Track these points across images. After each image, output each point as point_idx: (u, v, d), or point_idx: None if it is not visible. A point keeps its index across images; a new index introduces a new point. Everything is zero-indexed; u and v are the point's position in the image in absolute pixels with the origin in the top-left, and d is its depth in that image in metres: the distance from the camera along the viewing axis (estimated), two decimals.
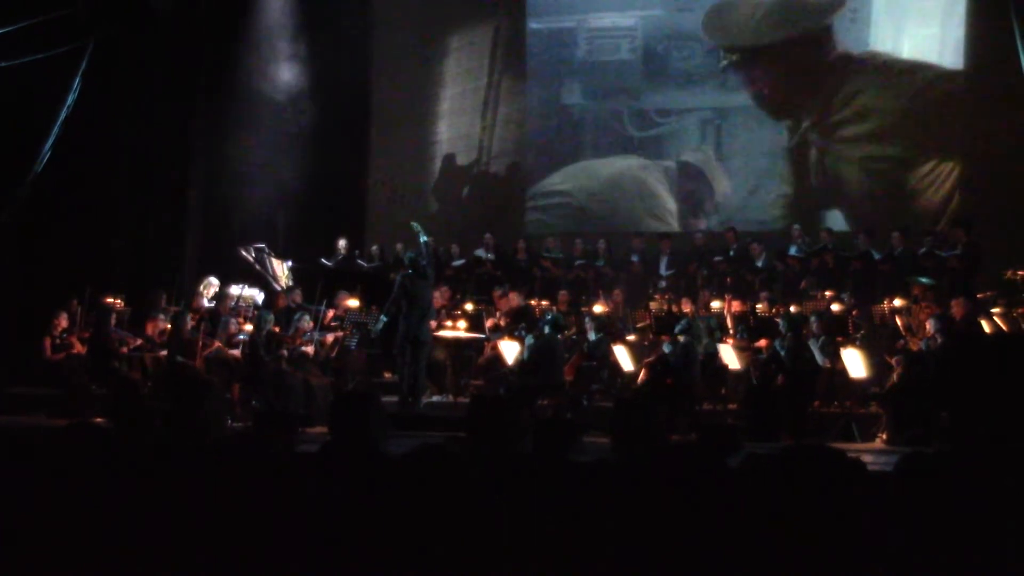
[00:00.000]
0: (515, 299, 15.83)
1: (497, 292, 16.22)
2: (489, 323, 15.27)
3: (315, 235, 18.43)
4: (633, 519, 3.24)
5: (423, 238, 14.53)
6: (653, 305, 15.46)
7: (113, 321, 14.38)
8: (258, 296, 15.90)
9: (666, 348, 13.40)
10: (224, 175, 17.76)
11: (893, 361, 12.83)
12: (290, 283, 16.80)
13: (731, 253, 16.93)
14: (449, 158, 20.42)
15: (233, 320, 14.30)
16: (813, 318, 13.35)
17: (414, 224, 14.89)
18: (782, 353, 13.04)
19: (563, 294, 16.19)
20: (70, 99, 15.55)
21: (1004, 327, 13.32)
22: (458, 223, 19.31)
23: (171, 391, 12.41)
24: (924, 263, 15.37)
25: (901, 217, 17.14)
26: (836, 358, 13.14)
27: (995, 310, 13.87)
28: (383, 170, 20.43)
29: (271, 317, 13.97)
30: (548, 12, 19.87)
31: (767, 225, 18.30)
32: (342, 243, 17.88)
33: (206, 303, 15.24)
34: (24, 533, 3.41)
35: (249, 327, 14.21)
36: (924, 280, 14.89)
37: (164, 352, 14.01)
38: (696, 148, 18.97)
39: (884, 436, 12.41)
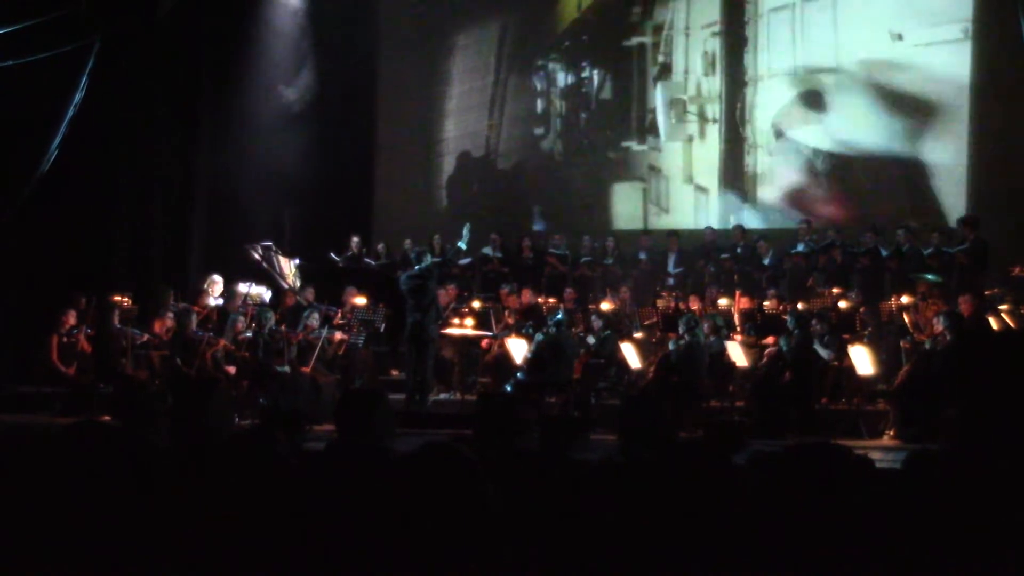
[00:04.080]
0: (528, 295, 15.84)
1: (504, 290, 16.21)
2: (511, 321, 15.28)
3: (322, 233, 18.43)
4: (639, 516, 3.23)
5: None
6: (660, 302, 15.46)
7: (117, 318, 14.36)
8: (265, 294, 15.91)
9: (671, 346, 13.42)
10: (230, 173, 17.75)
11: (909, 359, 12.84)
12: (297, 281, 16.81)
13: (738, 250, 16.92)
14: (464, 156, 20.44)
15: (240, 318, 14.29)
16: (815, 320, 13.31)
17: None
18: (784, 349, 13.03)
19: (569, 292, 16.19)
20: (76, 98, 15.54)
21: (1012, 324, 13.29)
22: (466, 221, 19.30)
23: (171, 390, 12.40)
24: (931, 262, 15.33)
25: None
26: (843, 355, 13.14)
27: (1003, 307, 13.86)
28: (390, 168, 20.44)
29: (271, 315, 13.98)
30: None
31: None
32: (355, 240, 17.89)
33: (212, 301, 15.24)
34: (28, 532, 3.41)
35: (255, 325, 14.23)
36: (930, 277, 14.87)
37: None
38: None
39: (891, 433, 12.40)
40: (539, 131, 20.08)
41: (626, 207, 19.34)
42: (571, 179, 19.62)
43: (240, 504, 3.43)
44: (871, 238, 16.02)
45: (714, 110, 18.73)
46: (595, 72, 19.69)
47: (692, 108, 18.88)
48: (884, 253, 15.79)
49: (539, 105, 20.03)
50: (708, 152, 18.73)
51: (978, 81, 17.21)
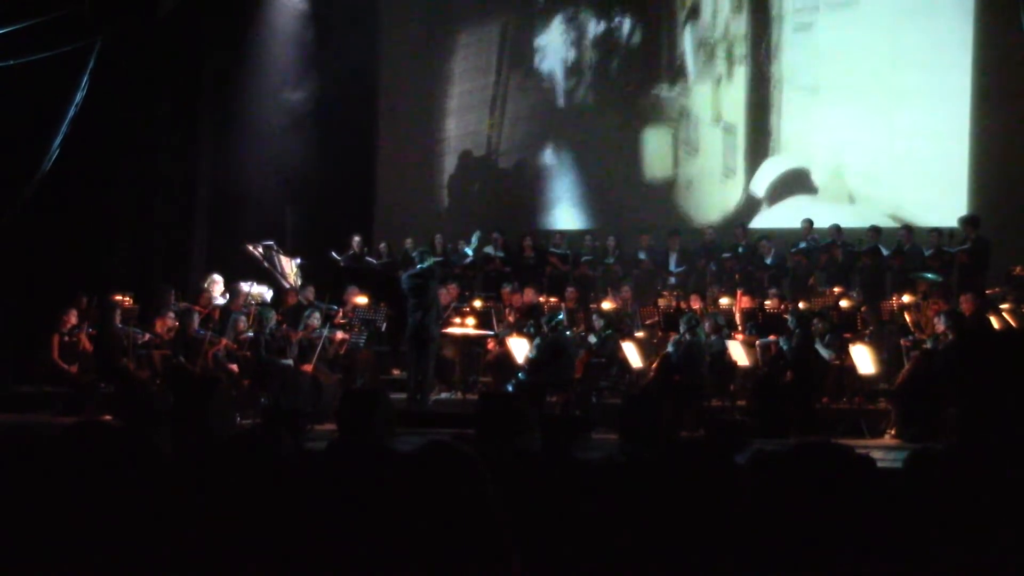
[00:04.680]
0: (530, 295, 15.82)
1: (506, 289, 16.22)
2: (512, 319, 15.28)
3: (324, 232, 18.44)
4: (640, 516, 3.23)
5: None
6: (662, 302, 15.46)
7: (118, 318, 14.37)
8: (267, 293, 15.91)
9: (670, 347, 13.41)
10: (232, 172, 17.77)
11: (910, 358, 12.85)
12: (299, 280, 16.81)
13: (740, 250, 16.92)
14: (465, 155, 20.47)
15: (242, 317, 14.29)
16: (816, 320, 13.31)
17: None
18: (785, 349, 13.04)
19: (571, 291, 16.19)
20: (78, 97, 15.55)
21: (1013, 323, 13.29)
22: (467, 220, 19.34)
23: (173, 389, 12.43)
24: (932, 263, 15.33)
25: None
26: (844, 354, 13.14)
27: (1004, 306, 13.86)
28: (391, 167, 20.46)
29: (272, 314, 13.98)
30: None
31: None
32: (356, 240, 17.89)
33: (214, 301, 15.24)
34: (29, 533, 3.40)
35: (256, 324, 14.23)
36: (930, 276, 14.87)
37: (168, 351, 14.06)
38: None
39: (892, 432, 12.40)
40: (570, 83, 20.07)
41: (656, 151, 19.45)
42: (602, 128, 19.66)
43: (242, 504, 3.43)
44: (872, 237, 16.04)
45: (741, 50, 18.87)
46: (625, 19, 19.75)
47: (720, 49, 19.03)
48: (885, 252, 15.80)
49: (571, 56, 20.06)
50: (735, 91, 18.92)
51: (979, 79, 17.24)
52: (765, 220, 18.40)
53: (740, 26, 18.81)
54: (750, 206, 18.54)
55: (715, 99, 18.97)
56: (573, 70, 20.06)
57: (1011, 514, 3.22)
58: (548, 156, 20.08)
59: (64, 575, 3.31)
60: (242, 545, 3.33)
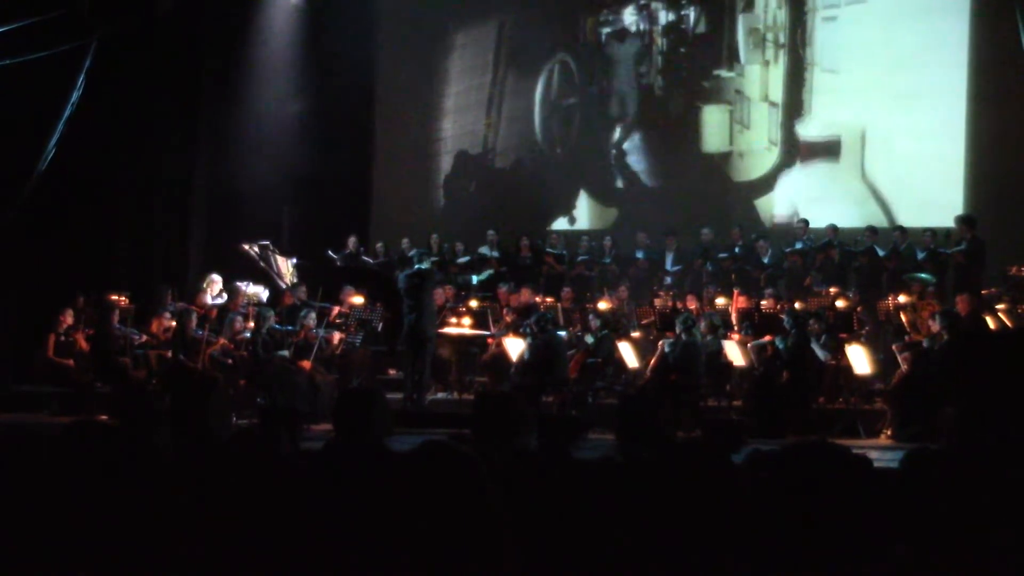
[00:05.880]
0: (527, 295, 15.81)
1: (503, 289, 16.22)
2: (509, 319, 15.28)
3: (320, 232, 18.43)
4: (638, 516, 3.24)
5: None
6: (658, 302, 15.45)
7: (116, 318, 14.36)
8: (263, 293, 15.91)
9: (666, 347, 13.40)
10: (228, 172, 17.75)
11: (901, 358, 12.83)
12: (295, 280, 16.81)
13: (737, 250, 16.92)
14: (461, 154, 20.52)
15: (239, 317, 14.27)
16: (812, 320, 13.32)
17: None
18: (781, 348, 13.04)
19: (567, 291, 16.20)
20: (74, 96, 15.54)
21: (1008, 323, 13.30)
22: (463, 220, 19.34)
23: (173, 389, 12.41)
24: (926, 265, 15.34)
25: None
26: (841, 354, 13.14)
27: (1000, 306, 13.86)
28: (388, 167, 20.47)
29: (271, 314, 13.97)
30: None
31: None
32: (352, 240, 17.89)
33: (210, 300, 15.22)
34: (26, 533, 3.41)
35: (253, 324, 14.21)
36: (924, 276, 14.88)
37: (168, 351, 14.04)
38: None
39: (889, 432, 12.40)
40: (642, 70, 20.66)
41: (714, 127, 20.22)
42: (669, 108, 20.43)
43: (240, 504, 3.43)
44: (868, 237, 16.06)
45: (783, 37, 19.84)
46: (692, 9, 20.62)
47: (769, 36, 19.93)
48: (881, 253, 15.80)
49: (641, 44, 20.77)
50: (779, 73, 19.83)
51: (976, 79, 17.27)
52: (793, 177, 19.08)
53: (783, 16, 19.86)
54: (787, 160, 19.37)
55: (763, 80, 19.96)
56: (643, 57, 20.73)
57: (1007, 514, 3.23)
58: (618, 137, 20.53)
59: (64, 575, 3.32)
60: (240, 544, 3.34)
